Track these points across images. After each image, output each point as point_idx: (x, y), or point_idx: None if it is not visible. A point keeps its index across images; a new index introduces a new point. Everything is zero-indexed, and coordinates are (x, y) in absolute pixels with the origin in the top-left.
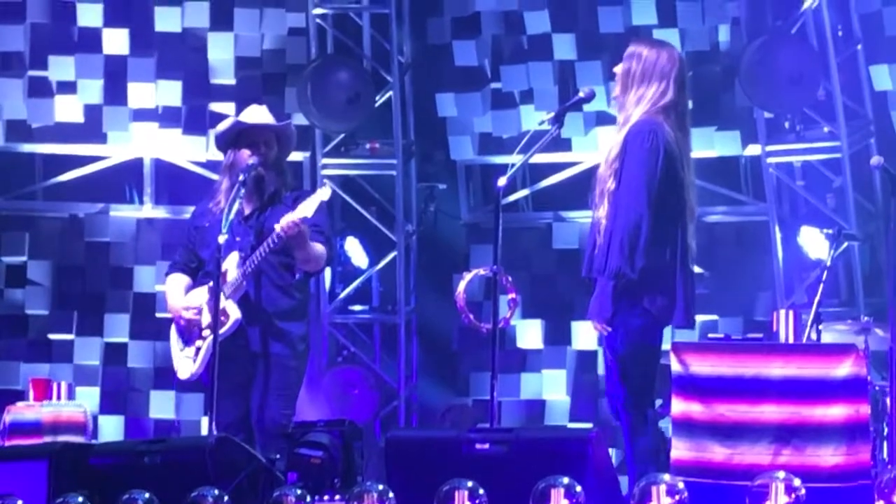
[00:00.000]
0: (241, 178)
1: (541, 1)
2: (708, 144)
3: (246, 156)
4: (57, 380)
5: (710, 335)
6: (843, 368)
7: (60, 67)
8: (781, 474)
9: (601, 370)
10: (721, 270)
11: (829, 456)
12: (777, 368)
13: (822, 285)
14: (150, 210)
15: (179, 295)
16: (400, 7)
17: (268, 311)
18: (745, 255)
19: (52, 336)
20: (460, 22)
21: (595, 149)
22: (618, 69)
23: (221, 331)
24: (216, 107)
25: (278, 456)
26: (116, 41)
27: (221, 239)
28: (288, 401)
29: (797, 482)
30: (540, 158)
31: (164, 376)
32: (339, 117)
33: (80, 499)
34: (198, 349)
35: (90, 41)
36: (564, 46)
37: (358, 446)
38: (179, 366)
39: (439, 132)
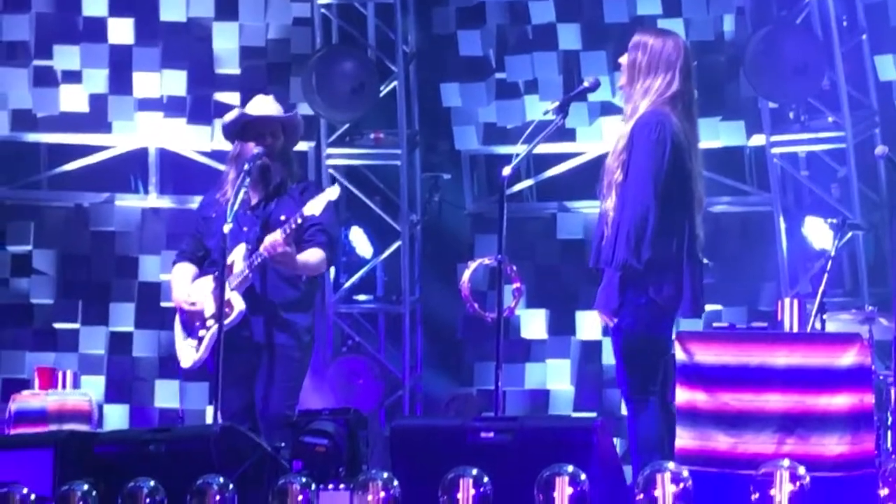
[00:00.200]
0: (245, 167)
1: None
2: (712, 134)
3: (252, 147)
4: (62, 369)
5: (715, 324)
6: (848, 358)
7: (65, 57)
8: (786, 463)
9: (605, 360)
10: (725, 260)
11: (833, 445)
12: (781, 357)
13: (826, 275)
14: (154, 200)
15: (183, 286)
16: None
17: (273, 301)
18: (750, 245)
19: (57, 325)
20: (465, 12)
21: (600, 139)
22: (623, 60)
23: (226, 322)
24: (221, 96)
25: (283, 444)
26: (121, 31)
27: (226, 228)
28: (292, 392)
29: (801, 470)
30: (544, 148)
31: (168, 365)
32: (344, 107)
33: (86, 486)
34: (200, 339)
35: (95, 31)
36: (569, 36)
37: (363, 435)
38: (182, 355)
39: (444, 122)
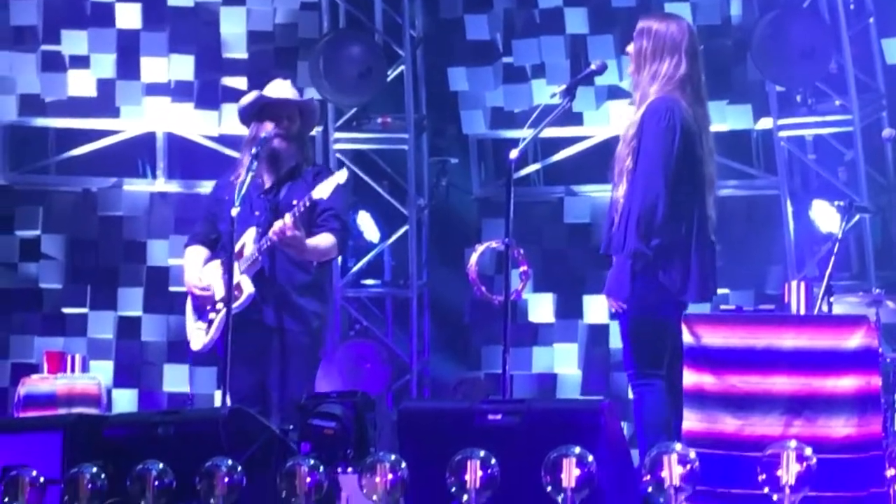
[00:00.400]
0: (253, 150)
1: None
2: (719, 118)
3: (269, 129)
4: (71, 353)
5: (722, 307)
6: (855, 340)
7: (73, 42)
8: (793, 444)
9: (613, 344)
10: (732, 244)
11: (840, 427)
12: (788, 340)
13: (833, 258)
14: (162, 184)
15: (195, 270)
16: None
17: (283, 285)
18: (757, 228)
19: (65, 310)
20: None
21: (607, 123)
22: (630, 48)
23: (235, 305)
24: (228, 81)
25: (291, 427)
26: (129, 15)
27: (234, 212)
28: (305, 379)
29: (808, 451)
30: (551, 132)
31: (177, 350)
32: (351, 91)
33: (95, 469)
34: (210, 322)
35: (103, 15)
36: (576, 20)
37: (370, 417)
38: (193, 337)
39: (451, 106)
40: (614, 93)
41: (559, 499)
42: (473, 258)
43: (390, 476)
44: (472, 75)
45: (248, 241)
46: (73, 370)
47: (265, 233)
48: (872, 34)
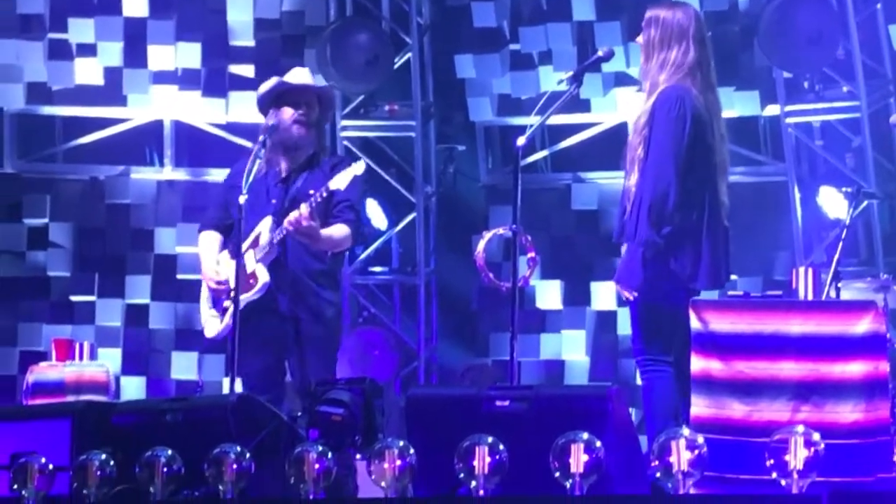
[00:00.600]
0: (260, 138)
1: None
2: (727, 104)
3: (288, 115)
4: (79, 340)
5: (730, 293)
6: (863, 325)
7: (80, 30)
8: (801, 429)
9: (620, 330)
10: (740, 230)
11: (848, 412)
12: (796, 325)
13: (841, 244)
14: (170, 172)
15: (211, 259)
16: None
17: (298, 274)
18: (764, 215)
19: (73, 298)
20: None
21: (614, 109)
22: (639, 40)
23: (250, 294)
24: (235, 69)
25: (300, 413)
26: (136, 3)
27: (241, 199)
28: (325, 368)
29: (816, 437)
30: (558, 119)
31: (185, 337)
32: (358, 79)
33: (103, 456)
34: (225, 310)
35: (110, 3)
36: (583, 7)
37: (379, 404)
38: (207, 325)
39: (458, 94)
40: (621, 79)
41: (567, 484)
42: (481, 245)
43: (398, 462)
44: (479, 62)
45: (263, 229)
46: (81, 358)
47: (281, 222)
48: (880, 20)
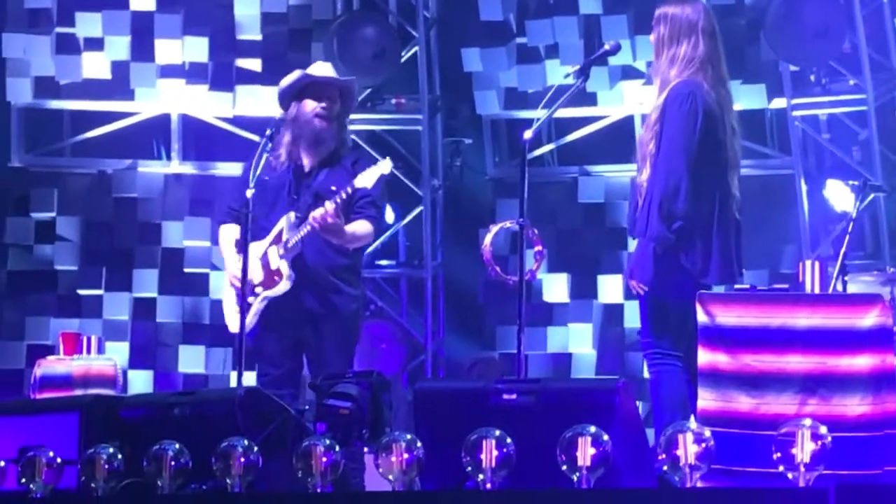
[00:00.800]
0: (267, 132)
1: None
2: (733, 98)
3: (310, 107)
4: (86, 334)
5: (737, 286)
6: (869, 318)
7: (87, 24)
8: (808, 422)
9: (627, 323)
10: (747, 224)
11: (854, 406)
12: (803, 318)
13: (847, 237)
14: (177, 166)
15: (233, 254)
16: None
17: (322, 270)
18: (771, 208)
19: (81, 291)
20: None
21: (620, 102)
22: (651, 38)
23: (275, 291)
24: (243, 63)
25: (307, 407)
26: None
27: (248, 193)
28: (345, 362)
29: (823, 430)
30: (565, 113)
31: (192, 331)
32: (365, 72)
33: (111, 450)
34: (250, 305)
35: None
36: (590, 0)
37: (386, 398)
38: (230, 320)
39: (465, 87)
40: (628, 73)
41: (574, 478)
42: (488, 239)
43: (406, 456)
44: (485, 56)
45: (285, 225)
46: (88, 351)
47: (303, 218)
48: (886, 13)
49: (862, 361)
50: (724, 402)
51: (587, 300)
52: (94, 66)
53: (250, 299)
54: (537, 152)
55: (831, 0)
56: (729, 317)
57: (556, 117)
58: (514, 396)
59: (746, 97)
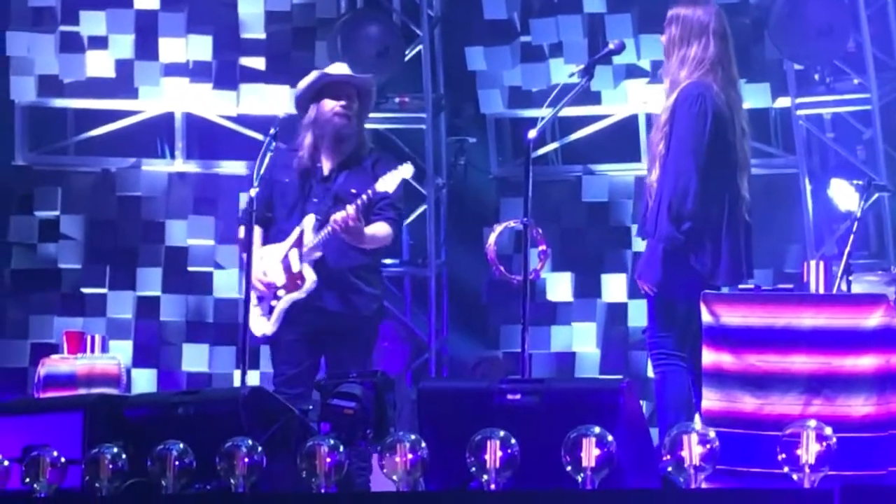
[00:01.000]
0: (272, 131)
1: None
2: None
3: (329, 107)
4: (90, 333)
5: (741, 286)
6: (874, 319)
7: (91, 22)
8: (812, 423)
9: (631, 322)
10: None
11: (859, 406)
12: (807, 319)
13: (852, 237)
14: (181, 164)
15: (256, 257)
16: None
17: (343, 271)
18: (775, 207)
19: (85, 290)
20: None
21: (625, 101)
22: (662, 39)
23: (298, 295)
24: (246, 61)
25: (311, 407)
26: None
27: (252, 192)
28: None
29: (828, 431)
30: (569, 111)
31: (196, 329)
32: (369, 71)
33: (115, 449)
34: (272, 308)
35: None
36: None
37: (390, 397)
38: (254, 322)
39: (469, 86)
40: (632, 72)
41: (579, 478)
42: (492, 238)
43: (410, 456)
44: (489, 54)
45: (306, 228)
46: (92, 350)
47: (324, 220)
48: (891, 12)
49: (866, 361)
50: (728, 403)
51: (591, 299)
52: (98, 64)
53: (273, 302)
54: (541, 151)
55: None
56: (733, 317)
57: (560, 116)
58: (518, 397)
59: (750, 96)
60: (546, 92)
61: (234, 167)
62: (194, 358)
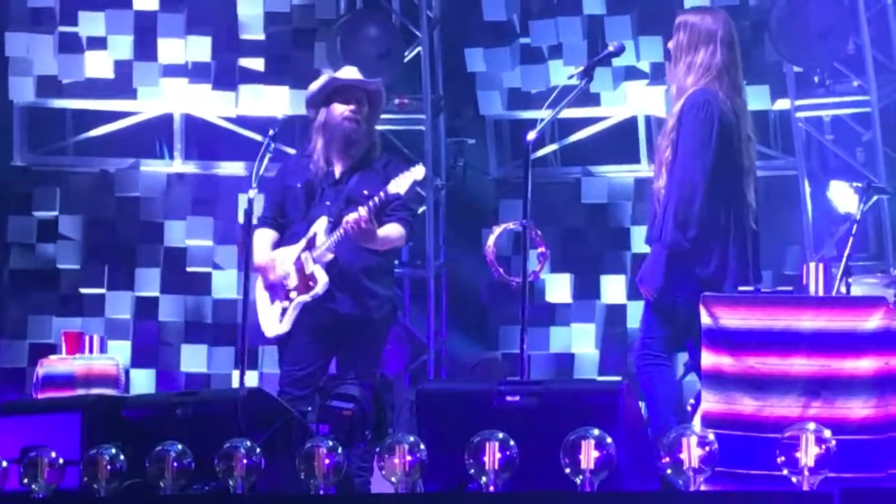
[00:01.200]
0: (270, 132)
1: None
2: None
3: (339, 110)
4: (89, 333)
5: (741, 288)
6: (873, 321)
7: (90, 23)
8: (812, 426)
9: (630, 324)
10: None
11: (858, 408)
12: (807, 321)
13: (851, 239)
14: (180, 165)
15: (264, 251)
16: None
17: (356, 273)
18: (775, 209)
19: (83, 290)
20: None
21: (624, 103)
22: (670, 44)
23: (309, 296)
24: (246, 62)
25: (310, 408)
26: None
27: (251, 193)
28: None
29: (827, 433)
30: (568, 113)
31: (194, 330)
32: (369, 72)
33: (113, 450)
34: (284, 309)
35: None
36: (593, 1)
37: (388, 399)
38: (266, 323)
39: (468, 87)
40: (631, 73)
41: (578, 480)
42: (491, 239)
43: (409, 458)
44: (489, 56)
45: (319, 230)
46: (91, 351)
47: (337, 223)
48: (891, 14)
49: (866, 364)
50: (727, 405)
51: (590, 300)
52: (97, 65)
53: (285, 304)
54: (540, 153)
55: (835, 1)
56: (733, 319)
57: (560, 117)
58: (517, 398)
59: (750, 98)
60: (545, 93)
61: (232, 168)
62: (193, 358)
